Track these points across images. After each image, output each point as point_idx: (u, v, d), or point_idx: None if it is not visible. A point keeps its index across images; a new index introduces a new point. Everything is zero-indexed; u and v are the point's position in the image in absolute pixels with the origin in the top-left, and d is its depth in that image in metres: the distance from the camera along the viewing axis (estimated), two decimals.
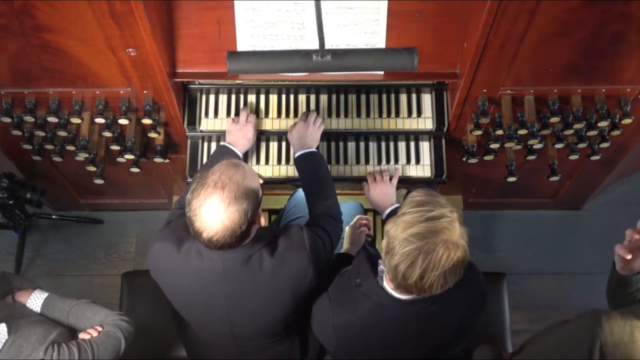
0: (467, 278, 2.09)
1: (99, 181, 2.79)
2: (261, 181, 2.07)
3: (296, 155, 2.55)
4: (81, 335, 2.27)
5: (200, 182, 1.95)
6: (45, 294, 2.37)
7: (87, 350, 2.19)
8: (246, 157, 2.69)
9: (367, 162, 2.73)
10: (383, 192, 2.58)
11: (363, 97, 2.71)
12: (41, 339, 2.13)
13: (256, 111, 2.71)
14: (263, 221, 2.07)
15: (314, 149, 2.55)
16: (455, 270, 1.83)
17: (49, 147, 2.73)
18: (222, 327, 2.22)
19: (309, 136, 2.57)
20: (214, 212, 1.91)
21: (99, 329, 2.29)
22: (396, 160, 2.73)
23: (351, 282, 2.09)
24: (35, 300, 2.34)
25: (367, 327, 2.05)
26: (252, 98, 2.72)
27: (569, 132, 2.64)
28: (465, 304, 2.09)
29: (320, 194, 2.42)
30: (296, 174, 2.60)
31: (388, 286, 1.99)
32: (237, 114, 2.68)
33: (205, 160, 2.72)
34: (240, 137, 2.60)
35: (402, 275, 1.83)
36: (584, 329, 1.88)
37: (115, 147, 2.71)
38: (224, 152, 2.53)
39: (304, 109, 2.70)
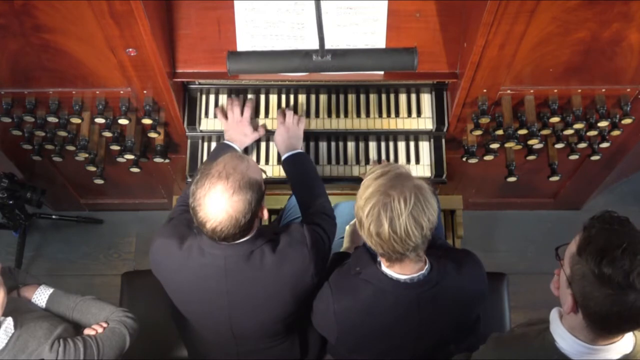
0: (466, 267, 2.10)
1: (99, 181, 2.79)
2: (265, 175, 2.09)
3: (283, 157, 2.55)
4: (86, 331, 2.27)
5: (204, 172, 1.97)
6: (51, 290, 2.37)
7: (93, 346, 2.19)
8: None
9: (367, 162, 2.73)
10: None
11: (363, 97, 2.71)
12: (47, 333, 2.14)
13: (256, 111, 2.71)
14: (266, 215, 2.08)
15: (300, 150, 2.56)
16: (420, 207, 1.84)
17: (49, 147, 2.73)
18: (223, 325, 2.22)
19: (293, 137, 2.58)
20: (218, 201, 1.92)
21: (104, 325, 2.29)
22: (396, 160, 2.72)
23: (351, 270, 2.10)
24: (40, 296, 2.35)
25: (368, 314, 2.05)
26: (252, 98, 2.72)
27: (569, 132, 2.64)
28: (464, 292, 2.09)
29: (311, 192, 2.43)
30: None
31: (385, 267, 2.00)
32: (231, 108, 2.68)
33: (205, 159, 2.72)
34: (237, 133, 2.60)
35: (377, 236, 1.86)
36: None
37: (115, 147, 2.71)
38: (223, 149, 2.54)
39: (304, 109, 2.70)
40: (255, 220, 2.02)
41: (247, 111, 2.65)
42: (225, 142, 2.58)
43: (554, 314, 1.81)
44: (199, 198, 1.94)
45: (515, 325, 2.06)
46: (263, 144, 2.75)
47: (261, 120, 2.70)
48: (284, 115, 2.64)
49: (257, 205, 1.99)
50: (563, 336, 1.74)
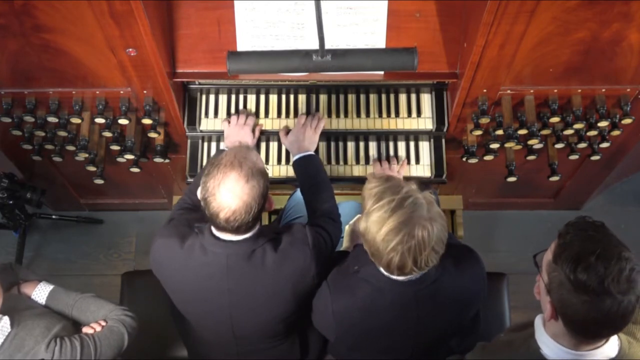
0: (466, 265, 2.11)
1: (99, 181, 2.79)
2: (267, 170, 2.11)
3: (295, 158, 2.55)
4: (84, 330, 2.27)
5: (214, 164, 1.98)
6: (51, 287, 2.37)
7: (90, 345, 2.19)
8: None
9: (367, 162, 2.73)
10: None
11: (363, 97, 2.71)
12: (44, 332, 2.13)
13: (256, 111, 2.71)
14: (273, 206, 2.10)
15: (312, 152, 2.55)
16: (441, 239, 1.89)
17: (49, 147, 2.73)
18: (224, 325, 2.22)
19: (308, 139, 2.57)
20: (232, 189, 1.93)
21: (103, 323, 2.29)
22: (396, 160, 2.72)
23: (349, 269, 2.11)
24: (40, 293, 2.35)
25: (366, 312, 2.06)
26: (252, 98, 2.72)
27: (569, 132, 2.64)
28: (463, 289, 2.10)
29: (320, 196, 2.43)
30: None
31: (385, 271, 2.01)
32: (236, 114, 2.68)
33: (205, 161, 2.72)
34: (238, 140, 2.59)
35: (397, 268, 1.90)
36: None
37: (115, 147, 2.71)
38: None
39: (304, 109, 2.70)
40: (262, 210, 2.04)
41: (251, 119, 2.65)
42: (225, 149, 2.58)
43: (538, 321, 1.80)
44: (212, 188, 1.94)
45: (504, 331, 2.06)
46: (263, 144, 2.75)
47: (260, 120, 2.69)
48: (305, 118, 2.63)
49: (267, 195, 2.02)
50: (547, 343, 1.74)
